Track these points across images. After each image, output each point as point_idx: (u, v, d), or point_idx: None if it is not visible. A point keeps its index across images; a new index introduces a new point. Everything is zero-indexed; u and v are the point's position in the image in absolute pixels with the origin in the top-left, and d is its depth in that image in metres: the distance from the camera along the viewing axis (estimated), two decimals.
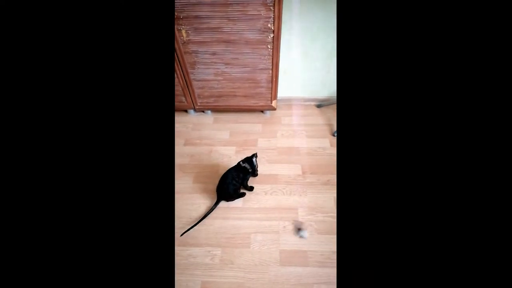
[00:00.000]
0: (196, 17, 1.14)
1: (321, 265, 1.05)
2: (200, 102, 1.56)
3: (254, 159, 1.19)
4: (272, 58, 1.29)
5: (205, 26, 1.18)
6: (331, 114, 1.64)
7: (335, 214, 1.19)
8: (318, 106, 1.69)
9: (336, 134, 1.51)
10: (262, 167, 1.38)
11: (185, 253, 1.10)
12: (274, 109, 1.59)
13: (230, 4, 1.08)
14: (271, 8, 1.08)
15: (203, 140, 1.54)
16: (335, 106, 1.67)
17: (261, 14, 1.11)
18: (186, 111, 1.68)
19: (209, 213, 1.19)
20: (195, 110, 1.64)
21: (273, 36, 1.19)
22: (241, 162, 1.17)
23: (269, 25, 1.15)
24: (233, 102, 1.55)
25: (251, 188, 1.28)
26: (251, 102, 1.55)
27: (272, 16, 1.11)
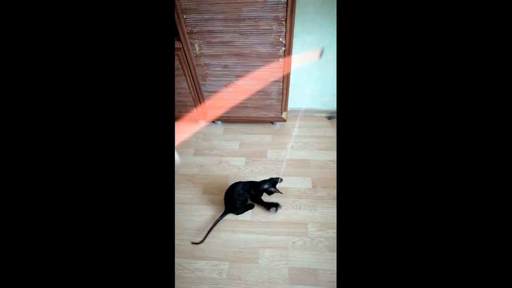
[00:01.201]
0: (209, 31, 1.17)
1: (333, 285, 1.01)
2: (211, 113, 1.58)
3: (275, 184, 1.13)
4: (283, 71, 1.29)
5: (217, 40, 1.20)
6: None
7: None
8: (329, 118, 1.67)
9: None
10: None
11: (192, 266, 1.08)
12: (284, 120, 1.58)
13: (243, 19, 1.10)
14: (283, 23, 1.09)
15: (212, 151, 1.55)
16: None
17: (273, 29, 1.12)
18: (197, 121, 1.70)
19: (215, 224, 1.18)
20: (205, 120, 1.66)
21: (284, 50, 1.20)
22: (264, 185, 1.12)
23: (280, 39, 1.16)
24: (244, 113, 1.56)
25: (275, 206, 1.22)
26: (261, 114, 1.55)
27: (284, 30, 1.12)
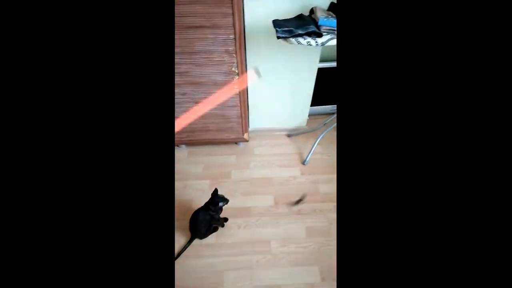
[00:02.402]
0: None
1: None
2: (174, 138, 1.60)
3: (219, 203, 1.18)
4: (240, 97, 1.38)
5: (174, 70, 1.25)
6: (301, 143, 1.72)
7: (308, 245, 1.23)
8: (289, 135, 1.78)
9: (306, 163, 1.59)
10: (235, 200, 1.40)
11: None
12: (247, 140, 1.65)
13: (196, 52, 1.17)
14: (234, 55, 1.19)
15: (177, 175, 1.56)
16: (304, 135, 1.77)
17: (225, 60, 1.20)
18: None
19: (182, 252, 1.18)
20: None
21: (238, 78, 1.29)
22: (220, 203, 1.17)
23: (233, 69, 1.24)
24: (207, 136, 1.61)
25: (224, 221, 1.29)
26: (224, 136, 1.61)
27: (236, 61, 1.21)
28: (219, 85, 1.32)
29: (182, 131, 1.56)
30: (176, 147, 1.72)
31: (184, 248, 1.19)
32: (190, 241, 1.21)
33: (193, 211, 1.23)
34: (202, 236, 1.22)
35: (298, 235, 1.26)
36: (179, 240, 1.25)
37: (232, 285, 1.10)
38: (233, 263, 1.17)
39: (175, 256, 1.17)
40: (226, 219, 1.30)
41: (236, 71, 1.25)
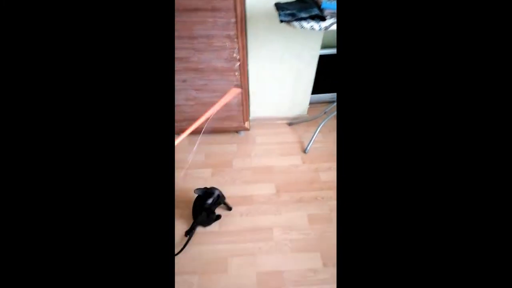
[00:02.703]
0: None
1: (297, 284, 1.08)
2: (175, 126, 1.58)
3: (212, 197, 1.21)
4: (241, 84, 1.35)
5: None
6: (302, 132, 1.71)
7: (309, 232, 1.24)
8: (290, 124, 1.77)
9: (307, 151, 1.58)
10: (237, 188, 1.41)
11: None
12: (248, 129, 1.64)
13: (195, 37, 1.13)
14: (235, 40, 1.15)
15: (177, 164, 1.54)
16: (305, 124, 1.75)
17: (226, 45, 1.17)
18: None
19: (189, 240, 1.19)
20: None
21: (239, 64, 1.26)
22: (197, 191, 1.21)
23: (234, 55, 1.21)
24: (207, 124, 1.58)
25: (229, 209, 1.30)
26: (224, 124, 1.59)
27: (237, 47, 1.17)
28: (218, 71, 1.29)
29: (183, 119, 1.53)
30: (176, 136, 1.70)
31: (190, 236, 1.19)
32: (193, 228, 1.21)
33: (194, 200, 1.23)
34: (205, 223, 1.23)
35: (300, 222, 1.27)
36: (183, 228, 1.25)
37: (236, 271, 1.11)
38: (237, 249, 1.18)
39: (182, 247, 1.18)
40: (230, 208, 1.30)
41: (238, 57, 1.22)
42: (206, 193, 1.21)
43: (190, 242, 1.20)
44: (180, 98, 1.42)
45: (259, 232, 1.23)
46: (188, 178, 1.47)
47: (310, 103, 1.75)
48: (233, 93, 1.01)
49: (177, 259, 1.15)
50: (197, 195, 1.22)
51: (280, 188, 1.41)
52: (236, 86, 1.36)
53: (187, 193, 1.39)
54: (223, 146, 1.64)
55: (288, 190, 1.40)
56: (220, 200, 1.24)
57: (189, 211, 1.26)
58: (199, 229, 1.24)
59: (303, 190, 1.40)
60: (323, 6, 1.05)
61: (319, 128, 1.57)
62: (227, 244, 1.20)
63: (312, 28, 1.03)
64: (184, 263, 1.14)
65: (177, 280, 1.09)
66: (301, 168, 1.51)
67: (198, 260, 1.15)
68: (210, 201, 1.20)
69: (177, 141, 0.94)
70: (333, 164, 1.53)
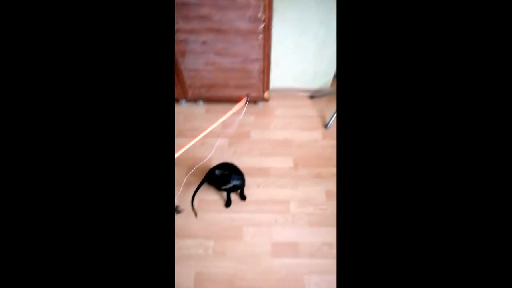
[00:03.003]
0: (184, 4, 1.09)
1: (312, 256, 1.08)
2: (192, 93, 1.53)
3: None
4: (264, 49, 1.25)
5: (194, 14, 1.12)
6: (324, 106, 1.62)
7: (326, 207, 1.22)
8: (311, 97, 1.67)
9: (328, 127, 1.51)
10: (254, 160, 1.38)
11: (178, 244, 1.12)
12: (267, 100, 1.56)
13: None
14: None
15: (195, 132, 1.52)
16: (327, 98, 1.65)
17: (250, 3, 1.06)
18: (177, 101, 1.64)
19: (200, 185, 1.24)
20: (186, 100, 1.61)
21: (264, 26, 1.15)
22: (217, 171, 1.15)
23: (259, 15, 1.10)
24: (225, 92, 1.52)
25: (242, 199, 1.25)
26: (243, 93, 1.52)
27: (263, 5, 1.06)
28: (241, 34, 1.19)
29: (201, 85, 1.47)
30: (193, 103, 1.65)
31: (202, 182, 1.23)
32: (202, 182, 1.23)
33: (209, 168, 1.22)
34: (218, 188, 1.23)
35: (317, 197, 1.25)
36: (197, 195, 1.26)
37: (251, 239, 1.13)
38: (253, 219, 1.18)
39: (192, 196, 1.21)
40: (244, 197, 1.24)
41: (263, 17, 1.11)
42: (223, 175, 1.14)
43: (207, 208, 1.21)
44: (199, 62, 1.34)
45: (275, 204, 1.22)
46: (206, 146, 1.45)
47: (334, 76, 1.63)
48: (243, 102, 1.01)
49: (194, 224, 1.17)
50: (215, 170, 1.18)
51: (298, 162, 1.37)
52: (259, 51, 1.26)
53: (204, 161, 1.38)
54: (241, 116, 1.59)
55: (307, 164, 1.36)
56: (235, 188, 1.17)
57: (202, 176, 1.26)
58: (215, 196, 1.25)
59: (322, 166, 1.35)
60: None
61: None
62: (243, 213, 1.20)
63: None
64: (201, 228, 1.16)
65: (193, 243, 1.12)
66: (321, 144, 1.45)
67: (215, 226, 1.17)
68: (225, 187, 1.14)
69: (185, 148, 0.94)
70: None
